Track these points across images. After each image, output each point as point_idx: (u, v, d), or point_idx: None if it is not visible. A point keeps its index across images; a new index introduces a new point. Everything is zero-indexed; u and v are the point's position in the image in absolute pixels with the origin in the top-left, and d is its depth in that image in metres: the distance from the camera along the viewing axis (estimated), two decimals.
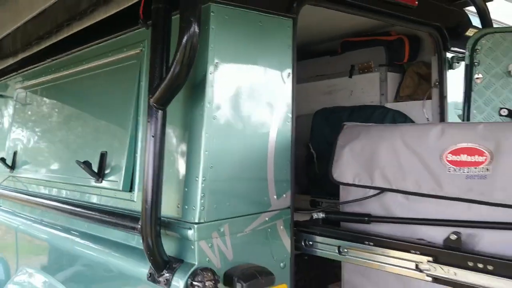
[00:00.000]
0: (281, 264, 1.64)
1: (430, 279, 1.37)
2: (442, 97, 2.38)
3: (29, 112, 2.71)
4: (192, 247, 1.45)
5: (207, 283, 1.41)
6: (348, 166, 1.67)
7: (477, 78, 2.25)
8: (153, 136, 1.43)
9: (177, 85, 1.39)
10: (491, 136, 1.33)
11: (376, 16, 2.02)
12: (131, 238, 1.69)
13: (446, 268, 1.34)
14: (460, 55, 2.37)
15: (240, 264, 1.52)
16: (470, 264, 1.29)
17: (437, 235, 1.40)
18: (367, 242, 1.55)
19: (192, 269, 1.42)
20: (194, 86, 1.49)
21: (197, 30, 1.32)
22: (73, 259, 2.02)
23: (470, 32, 2.39)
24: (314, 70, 2.99)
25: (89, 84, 2.13)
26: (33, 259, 2.34)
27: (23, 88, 2.81)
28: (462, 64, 2.33)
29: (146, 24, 1.58)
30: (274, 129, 1.63)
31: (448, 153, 1.40)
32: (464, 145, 1.37)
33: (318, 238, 1.69)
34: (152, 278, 1.50)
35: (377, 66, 2.67)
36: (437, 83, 2.39)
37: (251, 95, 1.56)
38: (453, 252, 1.33)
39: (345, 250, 1.60)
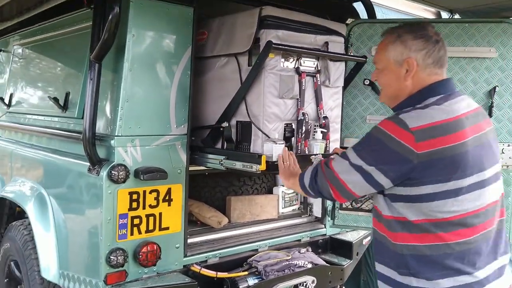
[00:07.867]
0: (178, 171, 2.48)
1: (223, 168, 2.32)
2: None
3: (21, 64, 3.56)
4: (113, 151, 2.29)
5: (120, 173, 2.27)
6: None
7: None
8: (91, 80, 2.26)
9: (107, 46, 2.20)
10: None
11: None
12: (80, 148, 2.54)
13: (231, 161, 2.31)
14: None
15: (146, 166, 2.38)
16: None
17: None
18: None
19: (111, 164, 2.26)
20: (118, 49, 2.29)
21: (118, 11, 2.12)
22: (46, 167, 2.88)
23: (349, 21, 3.16)
24: None
25: (61, 46, 2.98)
26: (21, 171, 3.20)
27: (19, 45, 3.65)
28: None
29: (89, 7, 2.40)
30: (176, 82, 2.43)
31: None
32: None
33: (206, 155, 2.55)
34: (89, 170, 2.36)
35: None
36: None
37: (159, 57, 2.37)
38: (236, 153, 2.27)
39: (222, 162, 2.45)
